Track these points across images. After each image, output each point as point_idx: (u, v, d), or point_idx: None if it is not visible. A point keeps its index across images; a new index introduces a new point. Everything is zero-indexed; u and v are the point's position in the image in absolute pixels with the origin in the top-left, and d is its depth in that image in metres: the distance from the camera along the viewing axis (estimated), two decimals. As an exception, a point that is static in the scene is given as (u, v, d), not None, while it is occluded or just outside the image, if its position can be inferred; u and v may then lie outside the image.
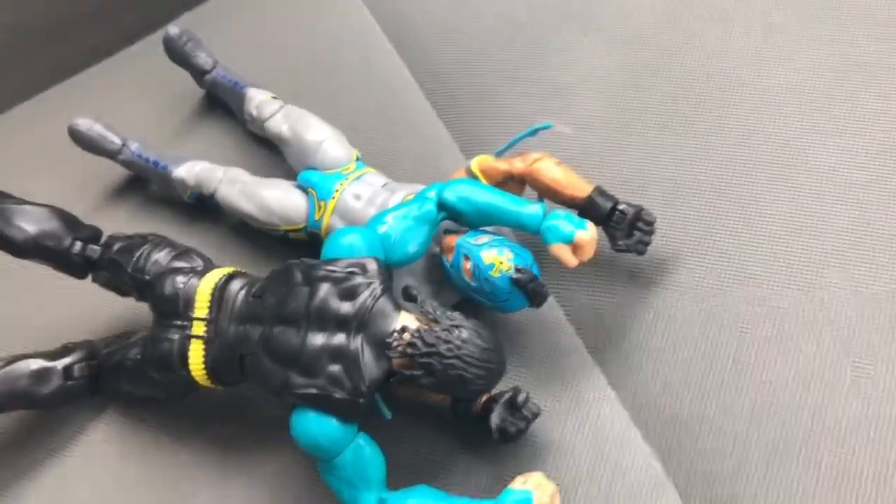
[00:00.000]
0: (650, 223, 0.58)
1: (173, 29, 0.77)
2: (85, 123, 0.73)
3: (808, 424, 0.53)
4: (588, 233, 0.54)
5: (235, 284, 0.57)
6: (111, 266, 0.61)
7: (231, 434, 0.62)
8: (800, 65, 0.66)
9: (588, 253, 0.54)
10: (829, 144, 0.62)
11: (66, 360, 0.61)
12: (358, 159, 0.67)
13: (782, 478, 0.52)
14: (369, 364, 0.50)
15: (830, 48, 0.65)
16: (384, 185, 0.64)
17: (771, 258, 0.59)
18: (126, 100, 0.84)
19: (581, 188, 0.58)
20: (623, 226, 0.57)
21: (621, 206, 0.58)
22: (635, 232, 0.58)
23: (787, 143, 0.63)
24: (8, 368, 0.60)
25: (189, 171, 0.70)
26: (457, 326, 0.50)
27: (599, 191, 0.58)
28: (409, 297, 0.52)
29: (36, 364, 0.61)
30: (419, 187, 0.60)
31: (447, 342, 0.49)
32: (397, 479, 0.57)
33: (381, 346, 0.50)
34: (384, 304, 0.51)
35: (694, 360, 0.57)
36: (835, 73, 0.64)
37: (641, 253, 0.58)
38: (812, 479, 0.52)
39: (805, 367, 0.55)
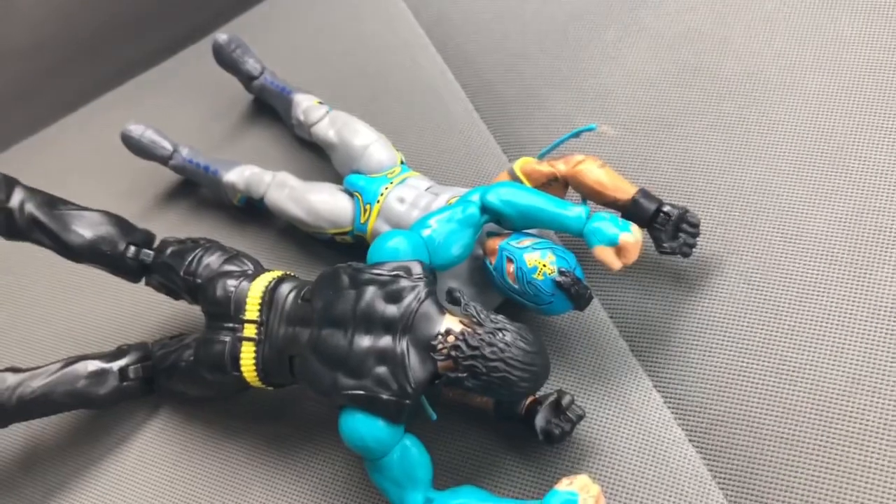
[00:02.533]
0: (695, 225, 0.57)
1: (222, 36, 0.79)
2: (137, 129, 0.76)
3: (859, 426, 0.52)
4: (632, 235, 0.54)
5: (285, 287, 0.58)
6: (164, 270, 0.63)
7: (280, 433, 0.64)
8: (844, 67, 0.65)
9: (632, 256, 0.54)
10: (874, 145, 0.61)
11: (122, 362, 0.63)
12: (402, 163, 0.68)
13: (830, 478, 0.52)
14: (415, 366, 0.51)
15: (876, 49, 0.65)
16: (428, 188, 0.64)
17: (817, 258, 0.58)
18: (176, 106, 0.87)
19: (625, 190, 0.58)
20: (668, 228, 0.57)
21: (666, 208, 0.57)
22: (680, 234, 0.57)
23: (831, 144, 0.62)
24: (67, 369, 0.62)
25: (239, 175, 0.72)
26: (501, 329, 0.50)
27: (644, 192, 0.58)
28: (453, 299, 0.52)
29: (93, 365, 0.63)
30: (462, 190, 0.61)
31: (491, 345, 0.49)
32: (444, 479, 0.58)
33: (426, 348, 0.51)
34: (429, 306, 0.52)
35: (739, 362, 0.57)
36: (878, 73, 0.64)
37: (687, 255, 0.58)
38: (862, 481, 0.51)
39: (854, 368, 0.54)
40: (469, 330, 0.50)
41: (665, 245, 0.57)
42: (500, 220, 0.57)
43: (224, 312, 0.58)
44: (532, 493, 0.57)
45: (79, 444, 0.67)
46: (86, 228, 0.63)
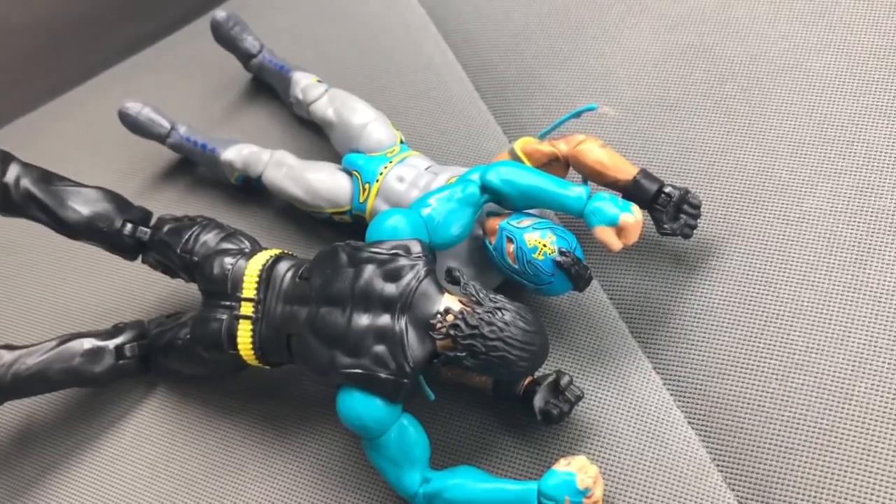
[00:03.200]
0: (696, 206, 0.57)
1: (221, 13, 0.79)
2: (134, 107, 0.75)
3: (860, 410, 0.52)
4: (633, 216, 0.54)
5: (283, 266, 0.58)
6: (160, 247, 0.62)
7: (276, 411, 0.64)
8: (846, 48, 0.64)
9: (633, 236, 0.54)
10: (875, 127, 0.60)
11: (118, 340, 0.63)
12: (402, 142, 0.68)
13: (829, 463, 0.52)
14: (414, 345, 0.51)
15: (878, 32, 0.64)
16: (428, 167, 0.64)
17: (818, 240, 0.58)
18: (174, 84, 0.86)
19: (626, 170, 0.58)
20: (669, 209, 0.57)
21: (667, 189, 0.57)
22: (681, 215, 0.57)
23: (833, 126, 0.62)
24: (62, 347, 0.62)
25: (237, 153, 0.71)
26: (500, 309, 0.50)
27: (645, 173, 0.58)
28: (452, 279, 0.52)
29: (89, 343, 0.62)
30: (462, 170, 0.61)
31: (490, 324, 0.49)
32: (441, 459, 0.58)
33: (424, 327, 0.51)
34: (428, 285, 0.52)
35: (738, 344, 0.56)
36: (881, 56, 0.63)
37: (687, 236, 0.57)
38: (863, 464, 0.51)
39: (855, 351, 0.54)
40: (468, 309, 0.50)
41: (666, 226, 0.57)
42: (500, 200, 0.57)
43: (221, 290, 0.58)
44: (530, 473, 0.56)
45: (74, 421, 0.67)
46: (82, 205, 0.62)
